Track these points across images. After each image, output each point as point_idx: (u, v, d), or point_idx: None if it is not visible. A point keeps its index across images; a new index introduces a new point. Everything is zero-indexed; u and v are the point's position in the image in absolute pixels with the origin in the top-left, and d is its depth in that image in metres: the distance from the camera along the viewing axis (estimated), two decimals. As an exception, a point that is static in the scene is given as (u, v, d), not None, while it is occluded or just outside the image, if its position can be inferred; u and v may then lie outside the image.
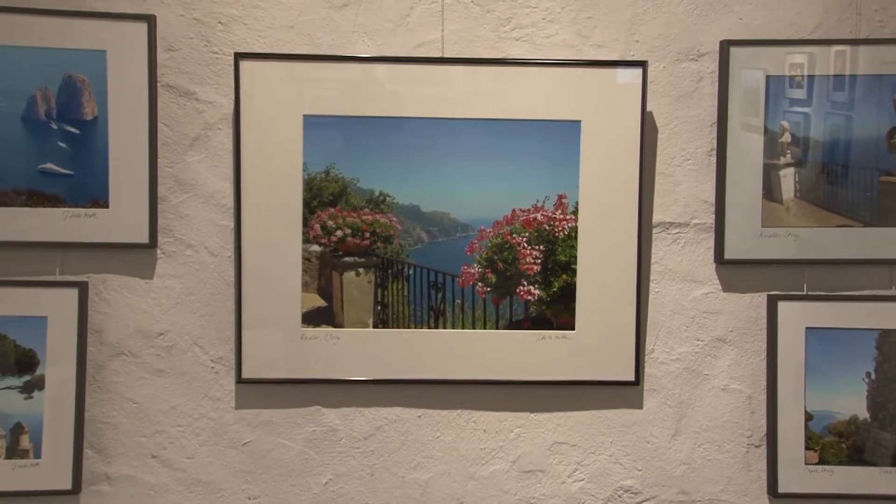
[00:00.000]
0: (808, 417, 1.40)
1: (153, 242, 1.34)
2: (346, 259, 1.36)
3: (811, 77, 1.36)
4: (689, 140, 1.39)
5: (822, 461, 1.40)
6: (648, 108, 1.37)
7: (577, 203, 1.36)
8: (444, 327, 1.37)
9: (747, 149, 1.37)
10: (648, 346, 1.41)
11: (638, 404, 1.41)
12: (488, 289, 1.36)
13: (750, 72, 1.35)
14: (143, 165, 1.33)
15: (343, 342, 1.36)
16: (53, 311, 1.34)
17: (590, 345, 1.37)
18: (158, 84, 1.35)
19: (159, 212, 1.36)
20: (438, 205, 1.36)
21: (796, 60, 1.35)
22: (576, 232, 1.36)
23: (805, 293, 1.40)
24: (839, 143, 1.37)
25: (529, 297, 1.36)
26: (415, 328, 1.37)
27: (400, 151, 1.34)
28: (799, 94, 1.36)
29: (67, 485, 1.35)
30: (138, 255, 1.36)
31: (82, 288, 1.35)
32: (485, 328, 1.37)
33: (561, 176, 1.36)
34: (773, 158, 1.37)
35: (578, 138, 1.35)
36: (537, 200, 1.36)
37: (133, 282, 1.37)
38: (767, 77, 1.36)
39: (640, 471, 1.42)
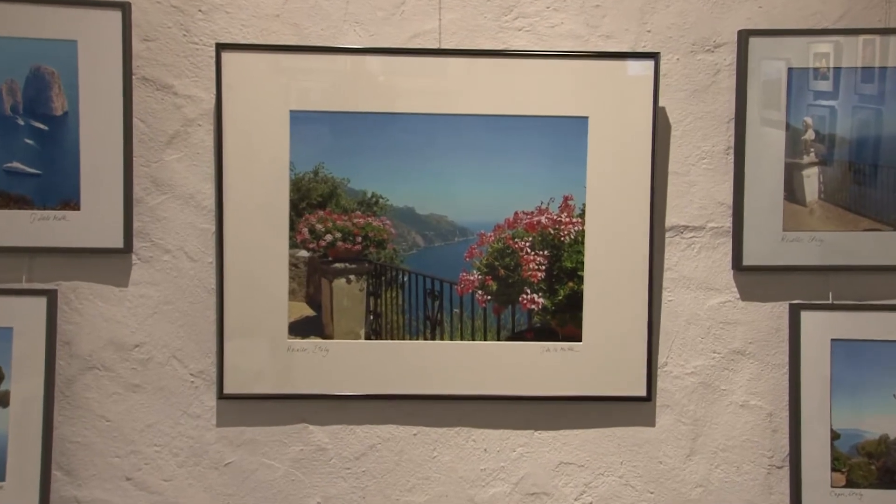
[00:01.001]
0: (835, 436, 1.35)
1: (128, 247, 1.30)
2: (337, 265, 1.32)
3: (837, 69, 1.31)
4: (704, 137, 1.35)
5: (849, 484, 1.34)
6: (661, 104, 1.33)
7: (583, 205, 1.32)
8: (442, 338, 1.33)
9: (768, 146, 1.32)
10: (661, 359, 1.37)
11: (650, 422, 1.37)
12: (489, 297, 1.32)
13: (770, 63, 1.31)
14: (118, 164, 1.29)
15: (333, 354, 1.32)
16: (19, 321, 1.29)
17: (598, 357, 1.33)
18: (134, 77, 1.30)
19: (135, 214, 1.31)
20: (435, 207, 1.32)
21: (821, 50, 1.30)
22: (583, 236, 1.32)
23: (830, 302, 1.36)
24: (867, 140, 1.32)
25: (533, 307, 1.32)
26: (410, 339, 1.33)
27: (394, 150, 1.30)
28: (824, 86, 1.31)
29: (35, 509, 1.28)
30: (112, 261, 1.32)
31: (51, 296, 1.30)
32: (485, 339, 1.33)
33: (567, 176, 1.32)
34: (796, 157, 1.32)
35: (585, 136, 1.31)
36: (541, 202, 1.32)
37: (106, 290, 1.33)
38: (789, 69, 1.31)
39: (652, 493, 1.38)
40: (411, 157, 1.30)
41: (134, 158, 1.31)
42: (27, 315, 1.29)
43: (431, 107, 1.31)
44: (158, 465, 1.35)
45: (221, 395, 1.32)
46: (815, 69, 1.31)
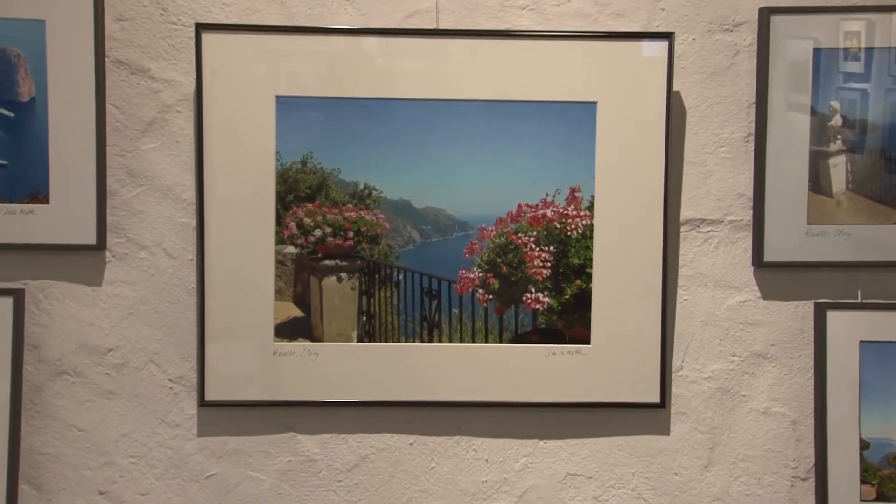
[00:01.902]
0: (864, 446, 1.31)
1: (101, 244, 1.27)
2: (327, 262, 1.30)
3: (869, 49, 1.26)
4: (722, 124, 1.32)
5: (880, 497, 1.30)
6: (675, 88, 1.30)
7: (592, 197, 1.29)
8: (440, 341, 1.31)
9: (791, 133, 1.28)
10: (676, 363, 1.33)
11: (664, 430, 1.34)
12: (490, 296, 1.30)
13: (795, 43, 1.26)
14: (90, 154, 1.25)
15: (322, 358, 1.29)
16: (-17, 323, 1.24)
17: (608, 361, 1.30)
18: (107, 59, 1.27)
19: (108, 208, 1.28)
20: (433, 199, 1.30)
21: (851, 29, 1.26)
22: (591, 231, 1.29)
23: (859, 301, 1.32)
24: (901, 126, 1.27)
25: (538, 306, 1.29)
26: (405, 342, 1.30)
27: (388, 138, 1.28)
28: (854, 67, 1.26)
29: (1, 525, 1.25)
30: (84, 259, 1.29)
31: (17, 296, 1.26)
32: (486, 342, 1.31)
33: (574, 166, 1.29)
34: (822, 145, 1.28)
35: (594, 122, 1.28)
36: (546, 194, 1.29)
37: (78, 289, 1.29)
38: (816, 49, 1.27)
39: (666, 507, 1.34)
40: (407, 145, 1.28)
41: (107, 148, 1.27)
42: (-8, 317, 1.24)
43: (428, 92, 1.28)
44: (134, 478, 1.31)
45: (203, 403, 1.29)
46: (845, 49, 1.27)
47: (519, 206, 1.29)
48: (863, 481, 1.30)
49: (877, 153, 1.28)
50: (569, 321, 1.30)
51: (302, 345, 1.29)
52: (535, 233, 1.29)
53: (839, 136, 1.28)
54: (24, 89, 1.23)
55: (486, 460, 1.34)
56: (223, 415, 1.31)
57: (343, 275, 1.30)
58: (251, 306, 1.28)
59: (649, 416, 1.34)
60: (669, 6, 1.30)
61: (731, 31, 1.30)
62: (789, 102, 1.28)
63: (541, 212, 1.29)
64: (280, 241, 1.28)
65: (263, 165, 1.27)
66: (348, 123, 1.27)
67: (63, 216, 1.25)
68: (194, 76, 1.26)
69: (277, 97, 1.26)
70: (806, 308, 1.33)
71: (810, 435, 1.34)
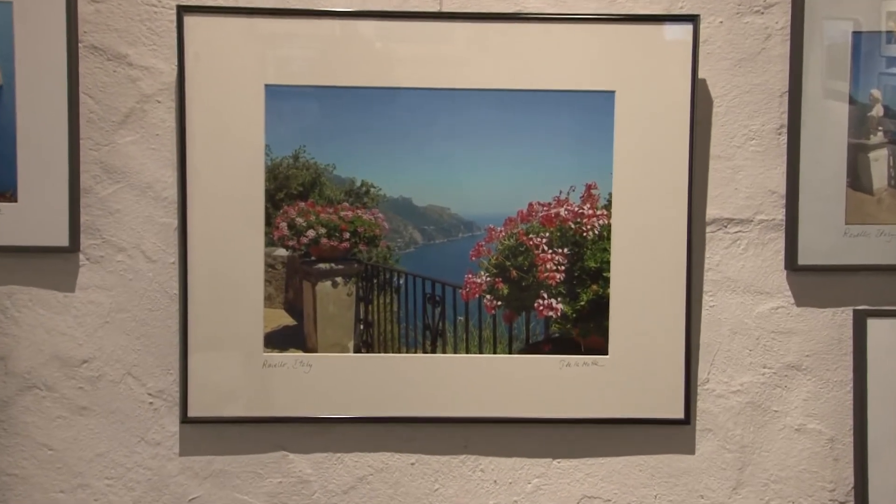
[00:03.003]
0: None
1: (74, 246, 1.23)
2: (321, 266, 1.27)
3: None
4: (752, 114, 1.28)
5: None
6: (701, 75, 1.27)
7: (610, 195, 1.27)
8: (444, 351, 1.28)
9: (828, 125, 1.25)
10: (702, 375, 1.30)
11: (689, 449, 1.30)
12: (499, 303, 1.27)
13: (833, 25, 1.23)
14: (62, 148, 1.22)
15: (316, 370, 1.26)
16: (-55, 332, 1.21)
17: (627, 373, 1.28)
18: (80, 45, 1.23)
19: (82, 207, 1.25)
20: (436, 197, 1.28)
21: (895, 9, 1.22)
22: (609, 231, 1.26)
23: None
24: (950, 117, 1.24)
25: (550, 314, 1.27)
26: (407, 353, 1.28)
27: (387, 131, 1.25)
28: None
29: (-35, 554, 1.22)
30: (56, 262, 1.25)
31: None
32: (494, 352, 1.28)
33: (590, 161, 1.26)
34: (862, 137, 1.25)
35: (612, 113, 1.26)
36: (560, 192, 1.27)
37: (49, 295, 1.25)
38: (855, 32, 1.23)
39: (691, 532, 1.31)
40: (408, 139, 1.26)
41: (81, 141, 1.24)
42: (-46, 325, 1.21)
43: (431, 80, 1.25)
44: (111, 502, 1.27)
45: (185, 419, 1.26)
46: (889, 32, 1.23)
47: (530, 204, 1.27)
48: (907, 505, 1.25)
49: (923, 146, 1.24)
50: (584, 330, 1.27)
51: (294, 356, 1.26)
52: (547, 233, 1.26)
53: (880, 128, 1.24)
54: (-11, 77, 1.19)
55: (495, 481, 1.30)
56: (208, 432, 1.28)
57: (338, 279, 1.27)
58: (238, 314, 1.25)
59: (672, 433, 1.30)
60: (694, -14, 1.26)
61: (762, 12, 1.26)
62: (826, 90, 1.24)
63: (554, 211, 1.26)
64: (270, 242, 1.25)
65: (252, 160, 1.24)
66: (344, 115, 1.24)
67: (32, 216, 1.21)
68: (176, 63, 1.23)
69: (266, 86, 1.23)
70: (844, 315, 1.30)
71: (849, 454, 1.30)
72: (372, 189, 1.26)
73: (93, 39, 1.23)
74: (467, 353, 1.28)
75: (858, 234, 1.24)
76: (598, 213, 1.25)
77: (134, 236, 1.25)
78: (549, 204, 1.26)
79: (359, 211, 1.25)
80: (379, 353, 1.27)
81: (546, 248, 1.26)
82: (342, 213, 1.25)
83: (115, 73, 1.24)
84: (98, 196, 1.24)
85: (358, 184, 1.25)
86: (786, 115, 1.27)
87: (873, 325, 1.26)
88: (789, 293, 1.30)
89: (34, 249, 1.21)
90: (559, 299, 1.26)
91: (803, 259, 1.26)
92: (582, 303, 1.26)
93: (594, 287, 1.26)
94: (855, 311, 1.28)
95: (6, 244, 1.20)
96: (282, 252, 1.26)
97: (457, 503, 1.28)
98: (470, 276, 1.26)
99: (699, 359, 1.29)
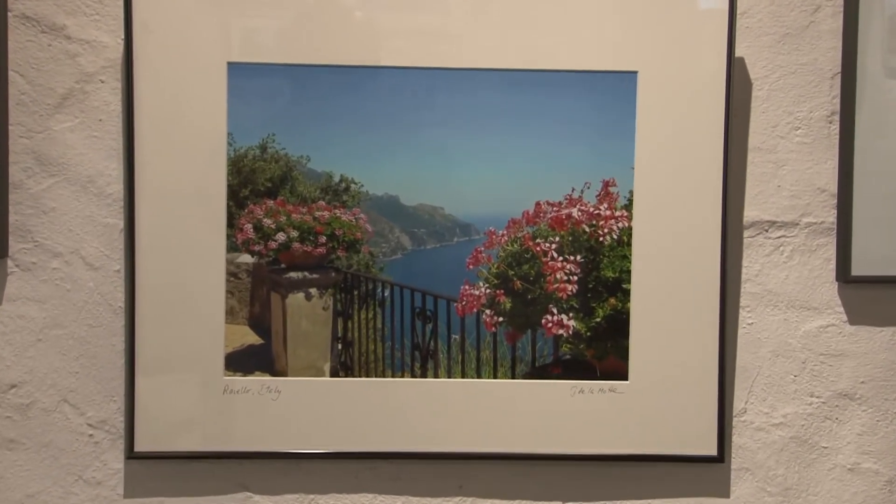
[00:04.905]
0: None
1: (2, 250, 1.18)
2: (292, 275, 1.23)
3: None
4: (798, 99, 1.23)
5: None
6: (738, 53, 1.22)
7: (630, 193, 1.21)
8: (436, 376, 1.24)
9: (887, 111, 1.20)
10: (738, 405, 1.24)
11: (723, 491, 1.25)
12: (500, 319, 1.23)
13: None
14: None
15: (286, 397, 1.22)
16: None
17: (650, 402, 1.23)
18: (9, 14, 1.18)
19: (11, 204, 1.19)
20: (427, 195, 1.23)
21: None
22: (629, 236, 1.22)
23: None
24: None
25: (561, 332, 1.22)
26: (392, 377, 1.23)
27: (371, 117, 1.20)
28: None
29: None
30: None
31: None
32: (495, 377, 1.24)
33: (608, 153, 1.21)
34: None
35: (634, 98, 1.20)
36: (573, 189, 1.21)
37: None
38: None
39: (726, 588, 1.27)
40: (395, 126, 1.20)
41: (10, 127, 1.19)
42: None
43: (423, 58, 1.20)
44: None
45: (131, 454, 1.21)
46: None
47: (537, 203, 1.22)
48: (981, 560, 1.17)
49: None
50: (600, 351, 1.23)
51: (259, 380, 1.21)
52: (557, 238, 1.23)
53: (950, 114, 1.17)
54: None
55: (495, 528, 1.25)
56: (158, 470, 1.22)
57: (313, 291, 1.24)
58: (195, 331, 1.21)
59: (704, 472, 1.25)
60: (731, -50, 1.20)
61: (811, -20, 1.22)
62: (886, 70, 1.19)
63: (565, 211, 1.22)
64: (233, 247, 1.21)
65: (211, 151, 1.19)
66: (320, 98, 1.20)
67: (-49, 215, 1.14)
68: (122, 36, 1.17)
69: (229, 63, 1.18)
70: (905, 336, 1.25)
71: (911, 498, 1.25)
72: (352, 185, 1.21)
73: (24, 8, 1.17)
74: (463, 377, 1.24)
75: (924, 240, 1.18)
76: (617, 214, 1.22)
77: (72, 239, 1.20)
78: (560, 203, 1.22)
79: (337, 211, 1.22)
80: (360, 377, 1.24)
81: (556, 254, 1.22)
82: (317, 214, 1.22)
83: (51, 47, 1.18)
84: (30, 192, 1.18)
85: (336, 179, 1.21)
86: (838, 100, 1.24)
87: (941, 347, 1.18)
88: (841, 309, 1.25)
89: (-48, 255, 1.14)
90: (571, 315, 1.23)
91: (857, 269, 1.22)
92: (597, 319, 1.23)
93: (612, 301, 1.23)
94: (919, 330, 1.21)
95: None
96: (246, 258, 1.23)
97: (450, 553, 1.22)
98: (467, 287, 1.23)
99: (735, 385, 1.26)
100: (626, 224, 1.22)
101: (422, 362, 1.24)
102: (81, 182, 1.19)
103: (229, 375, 1.21)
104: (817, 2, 1.20)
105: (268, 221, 1.21)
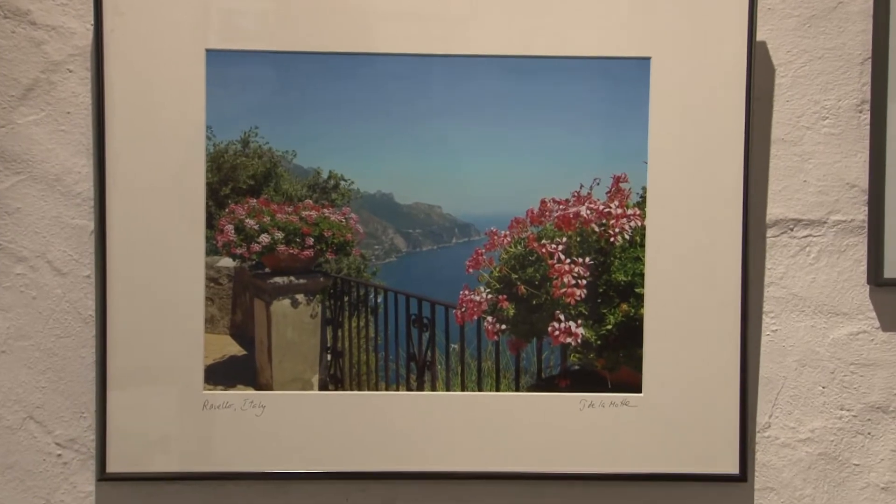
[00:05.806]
0: None
1: None
2: (277, 280, 1.20)
3: None
4: (825, 87, 1.19)
5: None
6: (760, 37, 1.19)
7: (644, 189, 1.18)
8: (434, 388, 1.20)
9: None
10: (761, 419, 1.20)
11: None
12: (503, 326, 1.19)
13: None
14: None
15: (271, 413, 1.18)
16: None
17: (666, 416, 1.19)
18: None
19: None
20: (424, 194, 1.20)
21: None
22: (642, 236, 1.18)
23: None
24: None
25: (569, 340, 1.19)
26: (386, 390, 1.20)
27: (362, 108, 1.16)
28: None
29: None
30: None
31: None
32: (497, 389, 1.20)
33: (619, 146, 1.18)
34: None
35: (647, 86, 1.16)
36: (581, 186, 1.17)
37: None
38: None
39: None
40: (389, 118, 1.17)
41: None
42: None
43: (420, 44, 1.16)
44: None
45: (103, 476, 1.17)
46: None
47: (542, 202, 1.18)
48: None
49: None
50: (612, 361, 1.20)
51: (242, 394, 1.18)
52: (564, 239, 1.19)
53: None
54: None
55: (498, 553, 1.21)
56: (131, 492, 1.18)
57: (300, 297, 1.20)
58: (172, 341, 1.17)
59: (725, 492, 1.21)
60: (752, -75, 1.17)
61: (839, -43, 1.17)
62: None
63: (573, 210, 1.18)
64: (213, 250, 1.18)
65: (189, 146, 1.15)
66: (307, 88, 1.16)
67: None
68: (92, 22, 1.14)
69: (208, 51, 1.14)
70: (944, 343, 1.21)
71: (951, 521, 1.20)
72: (342, 182, 1.18)
73: (-15, -9, 1.12)
74: (463, 390, 1.21)
75: (963, 239, 1.14)
76: (629, 212, 1.18)
77: (38, 242, 1.17)
78: (567, 201, 1.18)
79: (325, 210, 1.19)
80: (351, 390, 1.20)
81: (563, 257, 1.19)
82: (304, 214, 1.19)
83: (14, 34, 1.16)
84: (-8, 191, 1.14)
85: (324, 176, 1.17)
86: (868, 88, 1.19)
87: (982, 355, 1.13)
88: (873, 314, 1.21)
89: None
90: (579, 322, 1.19)
91: (891, 271, 1.17)
92: (608, 326, 1.19)
93: (624, 307, 1.19)
94: (959, 337, 1.16)
95: None
96: (228, 262, 1.20)
97: (450, 581, 1.18)
98: (466, 292, 1.19)
99: (758, 398, 1.22)
100: (639, 223, 1.18)
101: (418, 374, 1.21)
102: (48, 180, 1.16)
103: (209, 389, 1.18)
104: (846, -19, 1.15)
105: (250, 222, 1.19)
